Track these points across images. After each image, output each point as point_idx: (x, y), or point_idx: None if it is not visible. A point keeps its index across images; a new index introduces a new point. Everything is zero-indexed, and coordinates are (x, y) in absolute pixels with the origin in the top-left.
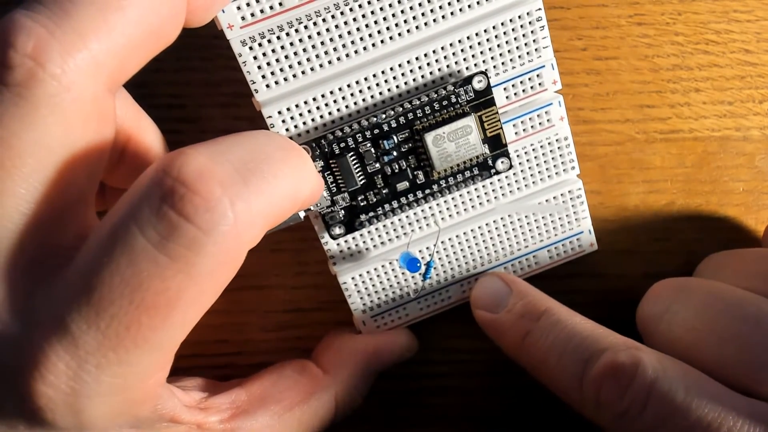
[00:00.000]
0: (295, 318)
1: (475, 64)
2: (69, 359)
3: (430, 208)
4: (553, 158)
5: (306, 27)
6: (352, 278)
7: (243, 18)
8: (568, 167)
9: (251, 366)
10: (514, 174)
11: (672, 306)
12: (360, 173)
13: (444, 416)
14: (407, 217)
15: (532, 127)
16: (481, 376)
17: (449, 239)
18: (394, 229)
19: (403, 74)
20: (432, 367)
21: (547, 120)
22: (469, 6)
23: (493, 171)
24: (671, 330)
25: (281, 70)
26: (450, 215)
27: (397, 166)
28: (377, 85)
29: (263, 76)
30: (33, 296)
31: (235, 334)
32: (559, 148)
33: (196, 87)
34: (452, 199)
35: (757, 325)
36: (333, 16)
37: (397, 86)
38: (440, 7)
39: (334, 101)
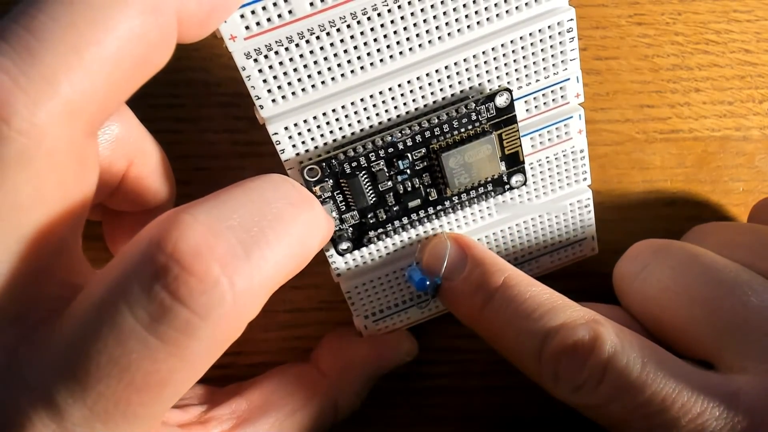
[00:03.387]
0: (295, 318)
1: (498, 77)
2: (55, 427)
3: (439, 222)
4: (566, 170)
5: (318, 38)
6: (356, 287)
7: (247, 28)
8: (581, 178)
9: (251, 366)
10: (525, 186)
11: (649, 265)
12: (371, 192)
13: (444, 416)
14: (415, 230)
15: (549, 140)
16: (481, 376)
17: None
18: (401, 241)
19: (421, 87)
20: (432, 367)
21: (565, 133)
22: (497, 15)
23: (507, 187)
24: (645, 289)
25: (289, 84)
26: (458, 227)
27: (410, 185)
28: (393, 99)
29: (269, 91)
30: (17, 353)
31: None
32: (573, 160)
33: (196, 87)
34: (462, 213)
35: (731, 291)
36: (349, 26)
37: (414, 101)
38: (466, 16)
39: (346, 116)
